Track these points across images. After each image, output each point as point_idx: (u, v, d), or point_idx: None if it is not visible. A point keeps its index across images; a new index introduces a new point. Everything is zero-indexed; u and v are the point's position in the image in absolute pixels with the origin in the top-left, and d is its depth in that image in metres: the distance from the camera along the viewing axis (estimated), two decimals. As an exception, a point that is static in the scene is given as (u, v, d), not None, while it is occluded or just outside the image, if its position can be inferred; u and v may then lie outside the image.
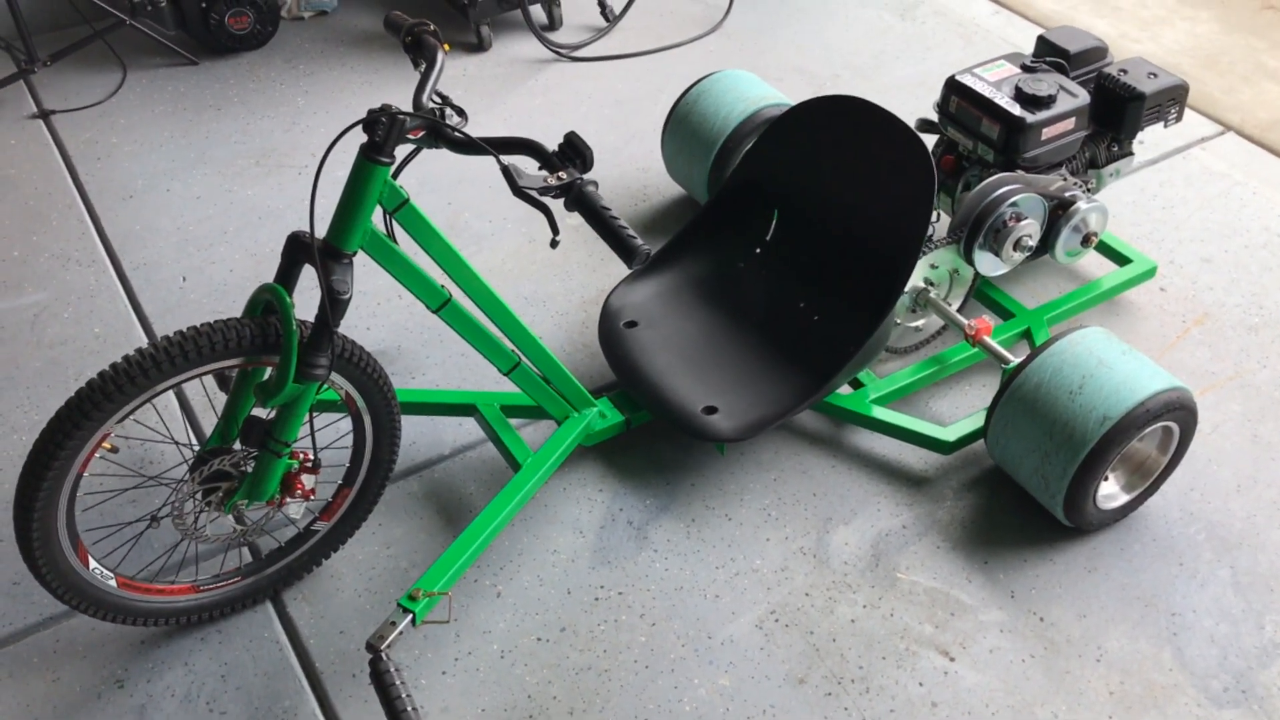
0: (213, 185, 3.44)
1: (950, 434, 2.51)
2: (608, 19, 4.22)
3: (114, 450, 1.96)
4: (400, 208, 1.98)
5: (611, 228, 1.76)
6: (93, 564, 2.05)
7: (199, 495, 2.06)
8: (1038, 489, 2.34)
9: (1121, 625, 2.26)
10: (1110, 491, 2.39)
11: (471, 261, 3.15)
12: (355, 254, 1.95)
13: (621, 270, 3.12)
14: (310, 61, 4.02)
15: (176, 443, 2.23)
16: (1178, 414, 2.29)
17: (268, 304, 1.99)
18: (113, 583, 2.08)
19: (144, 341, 2.94)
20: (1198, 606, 2.30)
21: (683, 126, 3.13)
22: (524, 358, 2.30)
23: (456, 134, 1.87)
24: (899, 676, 2.19)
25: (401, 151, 3.09)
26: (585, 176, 1.82)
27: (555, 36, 4.15)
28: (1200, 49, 4.11)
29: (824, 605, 2.31)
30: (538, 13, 4.21)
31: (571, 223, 3.30)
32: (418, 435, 2.66)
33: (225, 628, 2.28)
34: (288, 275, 2.01)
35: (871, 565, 2.38)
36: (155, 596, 2.16)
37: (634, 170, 3.49)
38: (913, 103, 3.80)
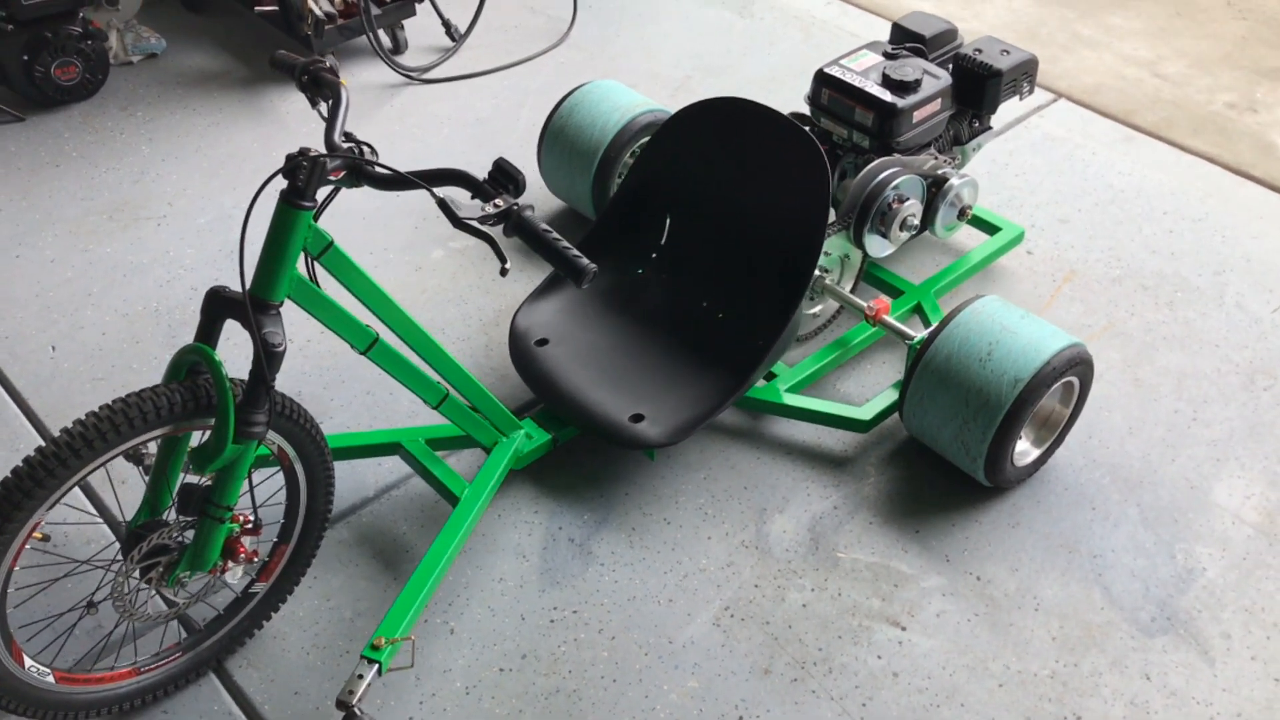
0: (66, 246, 3.26)
1: (866, 413, 2.60)
2: (453, 38, 4.18)
3: (46, 539, 1.85)
4: (325, 251, 1.93)
5: (556, 249, 1.76)
6: (28, 662, 1.93)
7: (138, 574, 1.96)
8: (958, 455, 2.45)
9: (1051, 573, 2.39)
10: (1023, 449, 2.52)
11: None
12: (283, 303, 1.89)
13: (517, 290, 3.11)
14: (148, 107, 3.85)
15: (106, 522, 2.11)
16: (1078, 368, 2.43)
17: (192, 365, 1.91)
18: (50, 679, 1.96)
19: (21, 419, 2.76)
20: (1115, 546, 2.45)
21: (559, 141, 3.13)
22: (451, 389, 2.27)
23: (381, 170, 1.84)
24: (857, 653, 2.26)
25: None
26: (519, 201, 1.81)
27: (402, 60, 4.09)
28: (1019, 23, 4.35)
29: (774, 594, 2.36)
30: (382, 38, 4.13)
31: (455, 245, 3.27)
32: (338, 481, 2.58)
33: (170, 707, 2.17)
34: (209, 333, 1.94)
35: (812, 549, 2.44)
36: (96, 686, 2.04)
37: (508, 188, 3.47)
38: (768, 98, 3.90)
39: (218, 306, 1.89)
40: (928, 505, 2.53)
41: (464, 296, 3.08)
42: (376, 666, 2.00)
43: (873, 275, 2.97)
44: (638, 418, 2.50)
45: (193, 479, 1.98)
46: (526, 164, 3.55)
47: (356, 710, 1.93)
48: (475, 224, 1.74)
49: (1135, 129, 3.71)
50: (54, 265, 3.19)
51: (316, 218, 1.93)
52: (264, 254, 1.86)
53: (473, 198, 1.82)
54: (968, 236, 3.21)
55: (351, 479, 2.59)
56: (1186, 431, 2.69)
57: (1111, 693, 2.18)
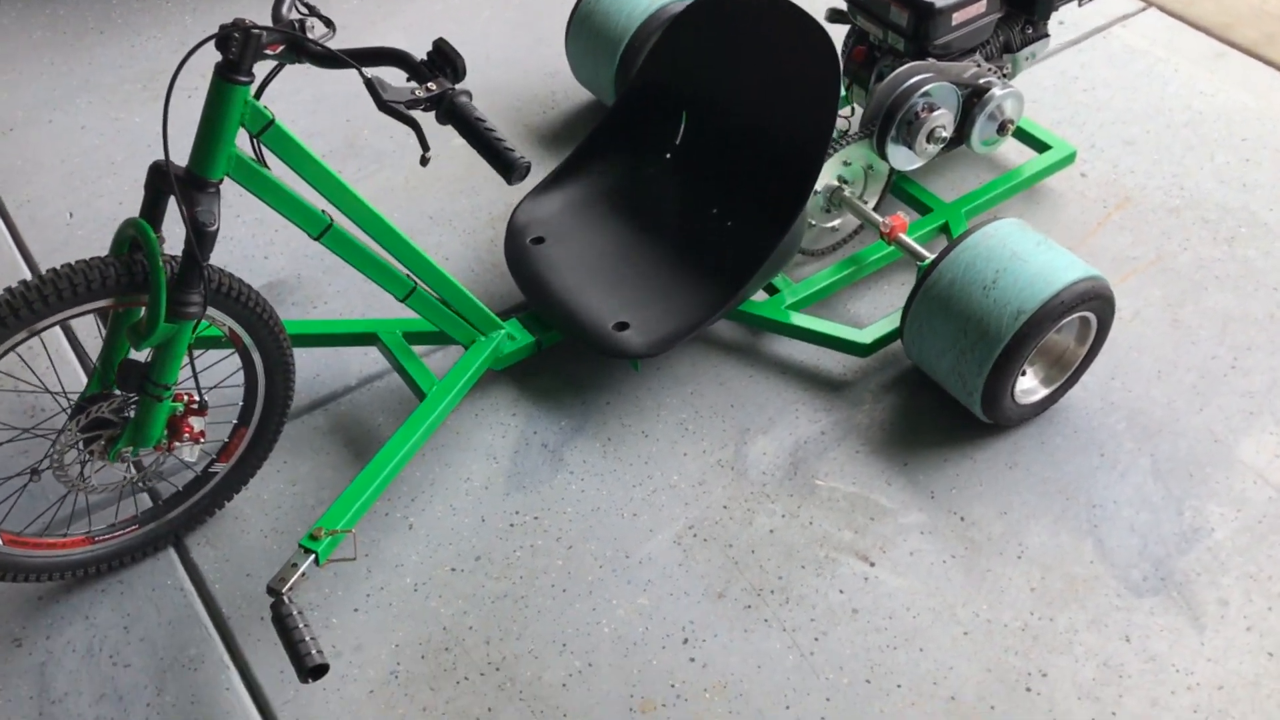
0: (98, 114, 3.26)
1: (867, 336, 2.45)
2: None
3: (-21, 404, 1.85)
4: (265, 129, 1.86)
5: (487, 141, 1.66)
6: (-28, 523, 1.95)
7: (80, 445, 1.97)
8: (955, 387, 2.30)
9: (1042, 520, 2.24)
10: (1029, 386, 2.35)
11: (373, 180, 3.02)
12: (221, 181, 1.83)
13: (532, 183, 3.00)
14: (198, -24, 3.80)
15: (52, 392, 2.12)
16: (1094, 304, 2.24)
17: (133, 240, 1.87)
18: (-2, 541, 1.99)
19: (25, 271, 2.80)
20: (1118, 497, 2.28)
21: (585, 27, 2.99)
22: (420, 282, 2.20)
23: (316, 47, 1.74)
24: (819, 585, 2.16)
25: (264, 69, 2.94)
26: (458, 86, 1.70)
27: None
28: (1123, -77, 3.98)
29: (742, 517, 2.26)
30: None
31: (478, 135, 3.17)
32: (321, 367, 2.56)
33: (126, 577, 2.20)
34: (153, 208, 1.90)
35: (790, 474, 2.33)
36: (46, 551, 2.07)
37: (541, 76, 3.35)
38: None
39: (159, 181, 1.85)
40: (922, 438, 2.38)
41: (477, 187, 3.00)
42: (313, 557, 1.98)
43: (902, 189, 2.79)
44: (622, 325, 2.40)
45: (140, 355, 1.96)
46: (561, 53, 3.41)
47: (285, 598, 1.92)
48: (400, 107, 1.64)
49: (1230, 45, 3.38)
50: (84, 132, 3.20)
51: (259, 94, 1.86)
52: (199, 130, 1.80)
53: (409, 79, 1.72)
54: (1017, 154, 2.98)
55: (336, 366, 2.56)
56: (1221, 380, 2.47)
57: (1085, 651, 2.05)
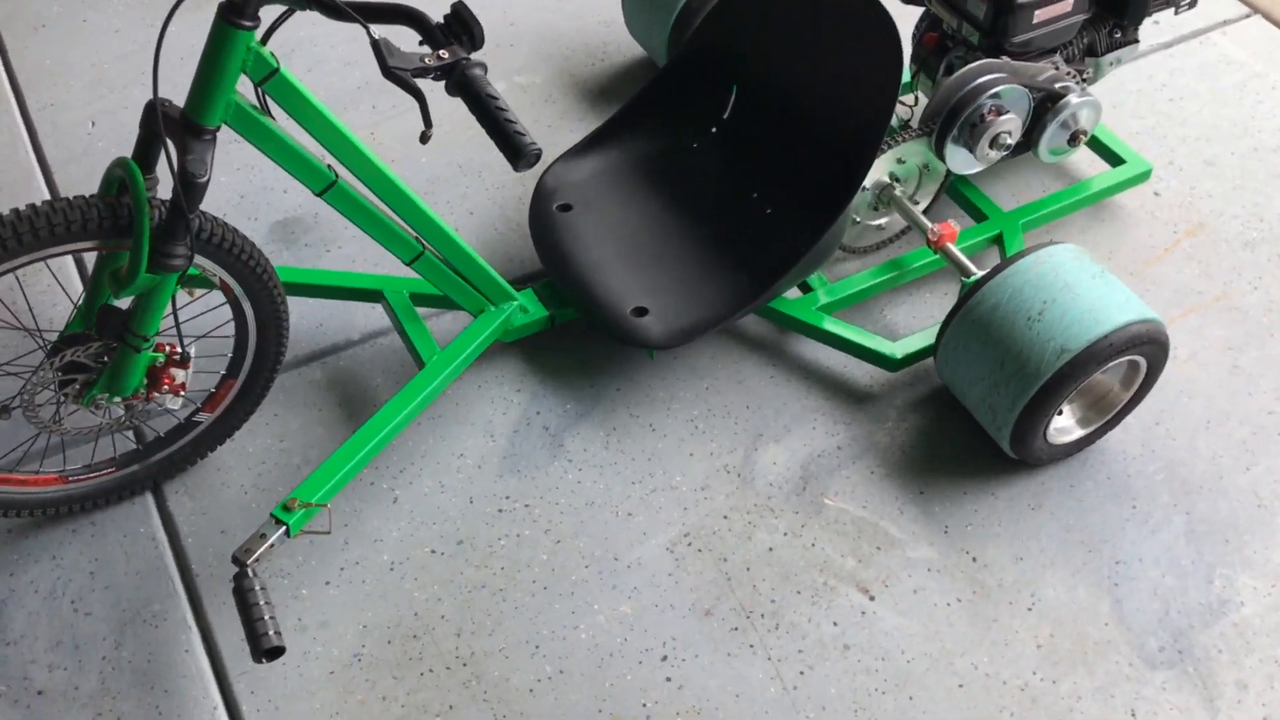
0: (134, 18, 3.14)
1: (898, 350, 2.30)
2: None
3: (-52, 337, 1.76)
4: (269, 78, 1.73)
5: (496, 120, 1.52)
6: (-63, 455, 1.88)
7: (55, 387, 1.88)
8: (984, 418, 2.15)
9: (1060, 571, 2.10)
10: (1064, 425, 2.19)
11: (402, 121, 2.88)
12: (218, 129, 1.71)
13: (573, 139, 2.85)
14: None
15: (28, 330, 2.03)
16: (1146, 348, 2.07)
17: (122, 181, 1.76)
18: (-36, 474, 1.92)
19: (44, 192, 2.71)
20: (1145, 555, 2.13)
21: (644, -19, 2.82)
22: (428, 246, 2.08)
23: (324, -4, 1.60)
24: (812, 614, 2.04)
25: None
26: (472, 57, 1.56)
27: None
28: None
29: (742, 530, 2.14)
30: None
31: (520, 80, 3.02)
32: (326, 317, 2.45)
33: (100, 519, 2.13)
34: (147, 148, 1.79)
35: (799, 489, 2.20)
36: (15, 488, 2.00)
37: (595, 24, 3.18)
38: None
39: (154, 121, 1.73)
40: (942, 466, 2.24)
41: (512, 139, 2.85)
42: (284, 529, 1.89)
43: (959, 191, 2.61)
44: (641, 311, 2.26)
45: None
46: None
47: (249, 571, 1.83)
48: (406, 75, 1.50)
49: (1336, 65, 3.13)
50: (117, 36, 3.09)
51: (265, 40, 1.73)
52: (198, 74, 1.67)
53: (421, 44, 1.58)
54: (1089, 164, 2.78)
55: (341, 317, 2.45)
56: (1275, 438, 2.30)
57: (1085, 721, 1.92)
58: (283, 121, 1.83)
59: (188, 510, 2.14)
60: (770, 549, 2.12)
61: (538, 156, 1.53)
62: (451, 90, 1.55)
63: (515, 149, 1.51)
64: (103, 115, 2.88)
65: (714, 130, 2.54)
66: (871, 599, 2.06)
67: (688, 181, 2.49)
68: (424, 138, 1.51)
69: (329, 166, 1.88)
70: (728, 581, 2.07)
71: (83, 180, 2.72)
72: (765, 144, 2.46)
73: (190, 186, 1.67)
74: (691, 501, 2.18)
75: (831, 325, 2.33)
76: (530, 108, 2.94)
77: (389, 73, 1.52)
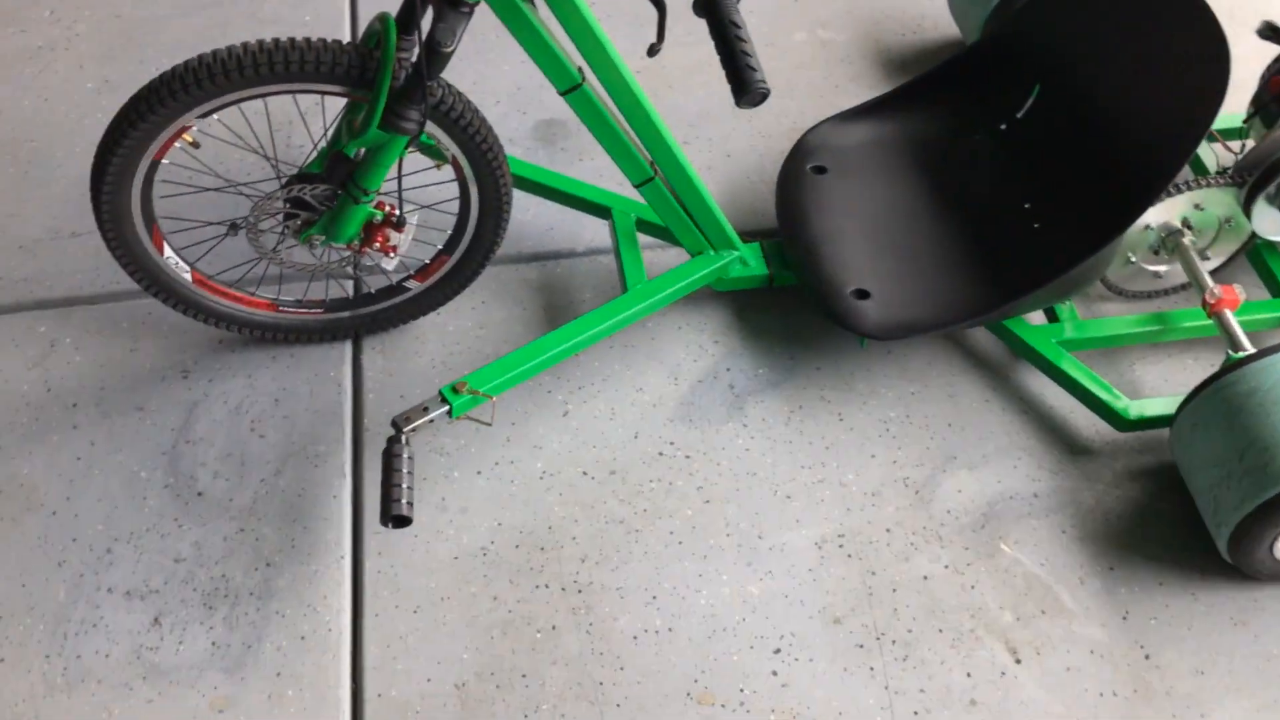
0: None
1: (1133, 409, 2.06)
2: None
3: (195, 145, 1.87)
4: (535, -36, 1.71)
5: (732, 49, 1.44)
6: (168, 252, 2.01)
7: (280, 216, 1.97)
8: (1205, 509, 1.90)
9: (1246, 701, 1.84)
10: (1300, 544, 1.91)
11: (690, 54, 2.82)
12: (476, 4, 1.71)
13: (845, 105, 2.72)
14: None
15: (268, 158, 2.12)
16: None
17: (379, 36, 1.80)
18: (187, 276, 2.05)
19: (349, 35, 2.85)
20: (1354, 716, 1.83)
21: (974, -45, 2.62)
22: (658, 173, 2.02)
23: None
24: (947, 657, 1.88)
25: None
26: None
27: None
28: None
29: (901, 549, 2.00)
30: None
31: (824, 34, 2.90)
32: (558, 222, 2.46)
33: (299, 353, 2.23)
34: (411, 10, 1.81)
35: (977, 524, 2.03)
36: (230, 302, 2.12)
37: (917, -6, 3.01)
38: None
39: (426, -17, 1.75)
40: (1144, 547, 2.00)
41: (793, 90, 2.74)
42: (447, 409, 1.91)
43: (1260, 257, 2.30)
44: (862, 294, 2.14)
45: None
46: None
47: (403, 438, 1.86)
48: (654, -18, 1.44)
49: None
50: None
51: (541, -74, 1.70)
52: (468, -55, 1.67)
53: (682, -43, 1.51)
54: None
55: (571, 227, 2.45)
56: None
57: None
58: (544, 15, 1.82)
59: (378, 367, 2.22)
60: (925, 577, 1.96)
61: (764, 96, 1.43)
62: (698, 9, 1.48)
63: (742, 83, 1.42)
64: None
65: (1003, 127, 2.35)
66: (1018, 662, 1.88)
67: (957, 174, 2.32)
68: (651, 50, 1.44)
69: (580, 69, 1.85)
70: (869, 596, 1.94)
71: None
72: (1053, 153, 2.25)
73: (434, 54, 1.69)
74: (857, 504, 2.05)
75: (1068, 364, 2.12)
76: (823, 64, 2.82)
77: (637, -24, 1.46)
